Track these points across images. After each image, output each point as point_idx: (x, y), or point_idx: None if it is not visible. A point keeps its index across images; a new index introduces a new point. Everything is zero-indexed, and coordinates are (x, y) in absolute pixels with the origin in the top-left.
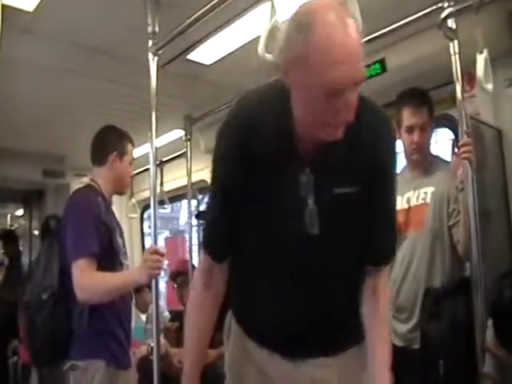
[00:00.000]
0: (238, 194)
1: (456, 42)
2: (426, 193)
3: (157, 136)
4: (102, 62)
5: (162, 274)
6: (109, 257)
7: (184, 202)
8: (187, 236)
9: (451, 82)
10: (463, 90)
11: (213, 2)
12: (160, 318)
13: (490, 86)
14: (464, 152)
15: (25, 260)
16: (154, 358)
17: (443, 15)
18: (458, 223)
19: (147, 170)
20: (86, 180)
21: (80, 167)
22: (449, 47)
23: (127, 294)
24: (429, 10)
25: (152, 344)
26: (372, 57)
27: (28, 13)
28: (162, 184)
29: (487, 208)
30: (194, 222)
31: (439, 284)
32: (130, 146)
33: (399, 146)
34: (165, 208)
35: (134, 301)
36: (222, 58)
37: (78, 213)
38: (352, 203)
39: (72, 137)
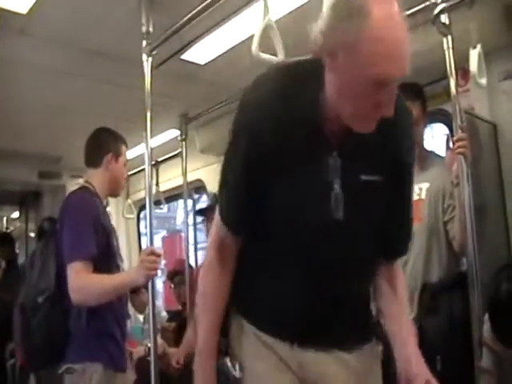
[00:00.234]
0: (259, 170)
1: (450, 37)
2: (421, 188)
3: (152, 136)
4: (96, 63)
5: (160, 273)
6: (106, 259)
7: (181, 202)
8: (184, 235)
9: (445, 77)
10: (457, 85)
11: (206, 2)
12: (157, 318)
13: (483, 81)
14: (459, 147)
15: (21, 262)
16: (152, 358)
17: (436, 11)
18: (453, 219)
19: (143, 170)
20: (82, 181)
21: (76, 168)
22: (442, 42)
23: (123, 294)
24: (422, 5)
25: (149, 345)
26: None
27: (22, 15)
28: (157, 184)
29: (483, 202)
30: (191, 221)
31: (436, 279)
32: (124, 148)
33: None
34: (161, 208)
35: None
36: (216, 58)
37: (76, 214)
38: (376, 192)
39: (68, 138)
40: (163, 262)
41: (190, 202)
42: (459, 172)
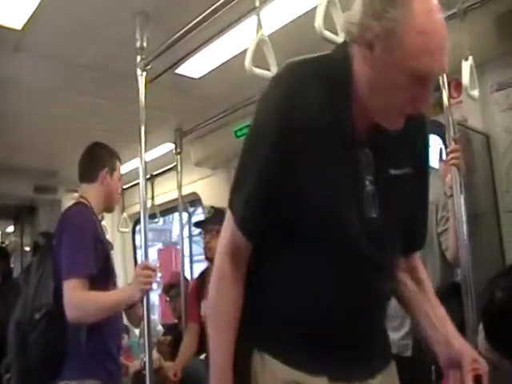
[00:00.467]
0: (288, 160)
1: None
2: None
3: (147, 150)
4: (91, 78)
5: (155, 286)
6: (104, 275)
7: (176, 215)
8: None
9: (438, 89)
10: (450, 97)
11: (200, 17)
12: (153, 332)
13: (475, 93)
14: (452, 158)
15: (15, 277)
16: (147, 372)
17: None
18: (447, 230)
19: (138, 184)
20: (77, 196)
21: (72, 183)
22: None
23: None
24: None
25: (145, 359)
26: None
27: (17, 30)
28: (153, 198)
29: (477, 213)
30: (186, 234)
31: None
32: (118, 163)
33: None
34: (156, 222)
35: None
36: (211, 72)
37: (74, 231)
38: (404, 187)
39: (64, 152)
40: (159, 274)
41: (185, 215)
42: (453, 183)
